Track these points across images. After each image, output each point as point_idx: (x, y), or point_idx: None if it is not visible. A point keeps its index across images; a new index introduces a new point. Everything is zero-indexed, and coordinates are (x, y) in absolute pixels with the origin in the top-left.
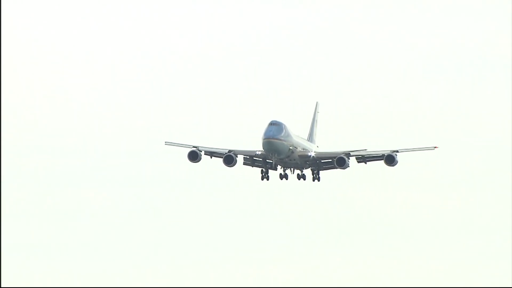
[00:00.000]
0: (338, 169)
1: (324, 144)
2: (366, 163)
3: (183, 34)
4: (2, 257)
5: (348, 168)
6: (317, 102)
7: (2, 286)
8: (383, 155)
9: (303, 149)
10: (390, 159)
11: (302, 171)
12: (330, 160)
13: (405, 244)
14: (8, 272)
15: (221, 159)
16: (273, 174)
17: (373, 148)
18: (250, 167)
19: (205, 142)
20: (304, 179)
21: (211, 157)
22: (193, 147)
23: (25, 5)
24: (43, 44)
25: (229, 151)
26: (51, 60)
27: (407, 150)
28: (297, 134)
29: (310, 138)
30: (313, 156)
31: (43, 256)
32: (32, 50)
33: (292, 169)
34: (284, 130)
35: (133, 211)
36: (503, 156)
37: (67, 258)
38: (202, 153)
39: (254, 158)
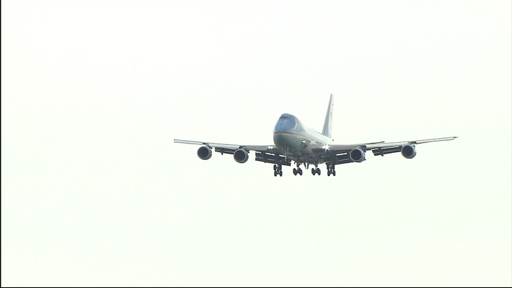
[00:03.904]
0: (354, 163)
1: (340, 137)
2: (383, 156)
3: (192, 28)
4: (2, 257)
5: (364, 161)
6: (331, 94)
7: (2, 286)
8: (401, 146)
9: (317, 142)
10: (408, 151)
11: (316, 166)
12: (345, 153)
13: (426, 241)
14: (8, 272)
15: (232, 155)
16: (287, 169)
17: (391, 140)
18: (263, 163)
19: (215, 138)
20: (319, 174)
21: (221, 154)
22: (203, 143)
23: (25, 5)
24: (55, 42)
25: (240, 146)
26: (62, 57)
27: (425, 141)
28: (311, 127)
29: (325, 131)
30: (327, 150)
31: (43, 256)
32: (36, 48)
33: (306, 163)
34: (296, 123)
35: (143, 211)
36: None
37: (67, 258)
38: (212, 149)
39: (266, 153)
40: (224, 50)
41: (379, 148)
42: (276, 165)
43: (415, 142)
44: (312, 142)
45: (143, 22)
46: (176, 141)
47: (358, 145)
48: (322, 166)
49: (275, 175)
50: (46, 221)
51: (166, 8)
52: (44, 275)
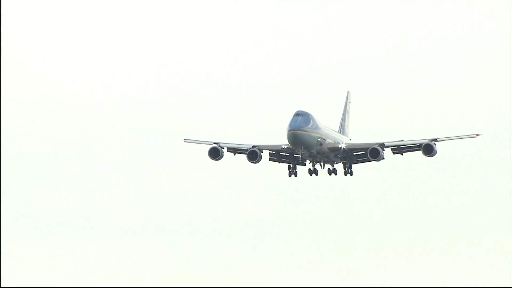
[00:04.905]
0: (372, 162)
1: (357, 136)
2: (402, 154)
3: (203, 27)
4: (2, 257)
5: (382, 160)
6: (348, 92)
7: (2, 286)
8: (421, 144)
9: (333, 141)
10: (428, 149)
11: (333, 166)
12: (363, 152)
13: (446, 242)
14: (8, 272)
15: (244, 156)
16: (302, 169)
17: (410, 138)
18: (277, 163)
19: (227, 138)
20: (336, 174)
21: (234, 154)
22: (214, 143)
23: (25, 5)
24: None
25: (253, 146)
26: (64, 57)
27: (446, 138)
28: (327, 125)
29: (342, 130)
30: (343, 148)
31: (43, 256)
32: (37, 48)
33: (322, 163)
34: (311, 121)
35: (153, 213)
36: None
37: (67, 258)
38: (224, 149)
39: (281, 153)
40: (236, 48)
41: (398, 146)
42: (291, 165)
43: (436, 140)
44: (328, 141)
45: (149, 22)
46: (186, 141)
47: (376, 144)
48: (339, 166)
49: (290, 175)
50: (46, 221)
51: (176, 6)
52: (44, 275)
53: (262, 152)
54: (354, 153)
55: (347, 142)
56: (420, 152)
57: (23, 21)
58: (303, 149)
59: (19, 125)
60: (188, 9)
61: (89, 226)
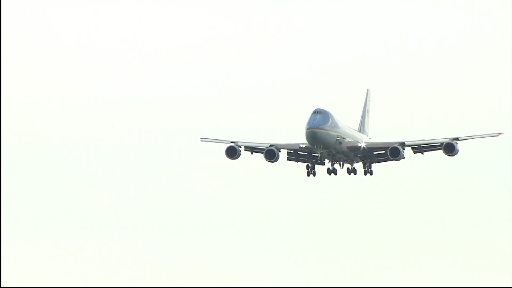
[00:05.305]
0: (392, 161)
1: (377, 135)
2: (423, 154)
3: (220, 23)
4: (2, 257)
5: (403, 159)
6: (368, 90)
7: (2, 286)
8: (442, 143)
9: (352, 139)
10: (449, 148)
11: (352, 165)
12: (383, 151)
13: (469, 242)
14: (8, 272)
15: (262, 155)
16: (321, 169)
17: (431, 136)
18: (295, 162)
19: (244, 137)
20: (355, 174)
21: (251, 153)
22: (231, 142)
23: (25, 5)
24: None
25: (271, 145)
26: (71, 57)
27: (468, 137)
28: (346, 124)
29: (361, 128)
30: (363, 147)
31: (43, 256)
32: (37, 48)
33: (341, 163)
34: (330, 119)
35: (167, 212)
36: None
37: (67, 258)
38: (241, 148)
39: (299, 152)
40: (254, 47)
41: (419, 145)
42: (309, 164)
43: (457, 139)
44: (348, 139)
45: (159, 22)
46: (203, 140)
47: (397, 143)
48: (358, 166)
49: (308, 175)
50: (46, 221)
51: (190, 3)
52: (44, 275)
53: (279, 151)
54: (374, 153)
55: (367, 141)
56: (441, 151)
57: (23, 21)
58: (322, 148)
59: (19, 125)
60: (201, 7)
61: (97, 226)
